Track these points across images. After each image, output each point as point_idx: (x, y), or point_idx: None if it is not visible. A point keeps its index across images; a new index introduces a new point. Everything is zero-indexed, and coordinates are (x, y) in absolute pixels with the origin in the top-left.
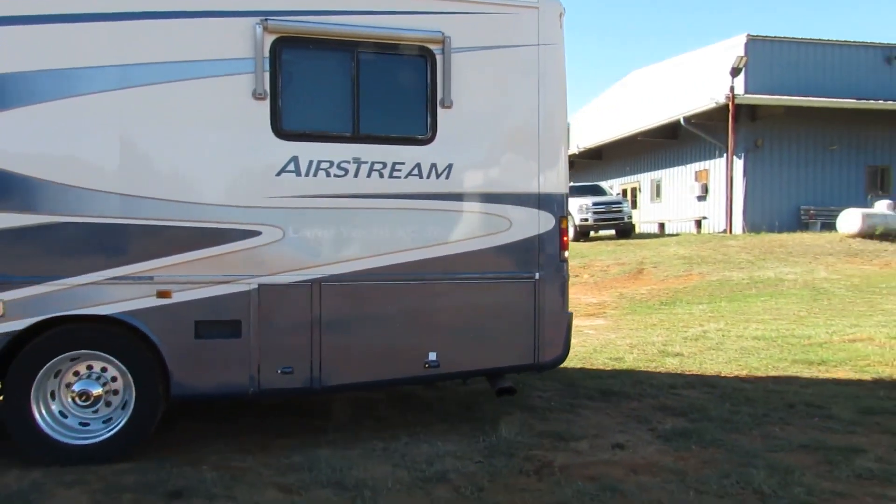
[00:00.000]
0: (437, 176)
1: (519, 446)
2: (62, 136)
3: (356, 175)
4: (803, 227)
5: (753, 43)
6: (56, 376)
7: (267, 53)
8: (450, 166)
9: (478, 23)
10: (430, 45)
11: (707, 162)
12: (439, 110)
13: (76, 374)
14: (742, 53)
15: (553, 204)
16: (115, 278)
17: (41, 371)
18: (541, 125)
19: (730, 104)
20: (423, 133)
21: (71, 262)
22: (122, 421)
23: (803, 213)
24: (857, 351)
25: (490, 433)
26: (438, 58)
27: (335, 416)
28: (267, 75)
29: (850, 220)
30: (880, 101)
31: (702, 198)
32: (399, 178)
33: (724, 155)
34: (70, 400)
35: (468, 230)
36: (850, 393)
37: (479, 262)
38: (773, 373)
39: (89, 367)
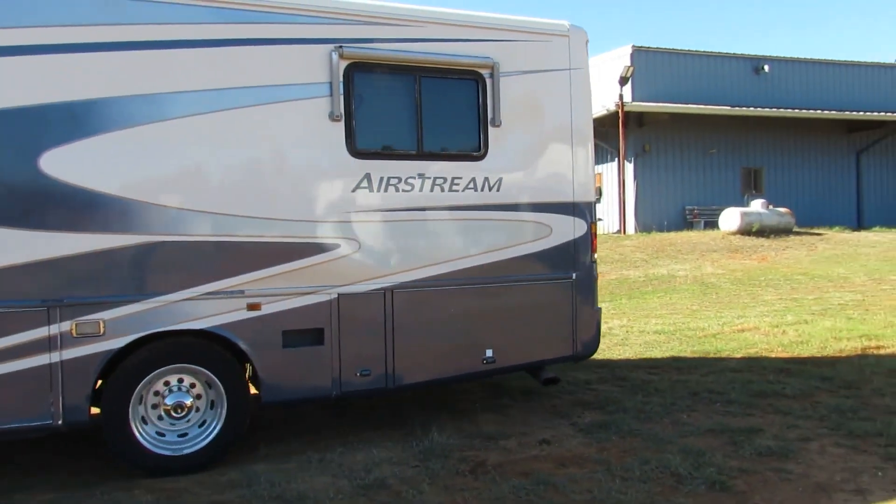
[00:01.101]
0: (490, 189)
1: (452, 448)
2: (157, 158)
3: (421, 189)
4: (689, 225)
5: (638, 53)
6: (150, 391)
7: (341, 78)
8: (500, 180)
9: (520, 49)
10: (481, 69)
11: (600, 166)
12: (490, 129)
13: (166, 385)
14: (629, 63)
15: (585, 211)
16: (208, 294)
17: (139, 385)
18: (573, 140)
19: (619, 111)
20: (477, 150)
21: (167, 280)
22: (215, 429)
23: (688, 212)
24: (745, 340)
25: (422, 437)
26: (488, 81)
27: (266, 430)
28: (342, 98)
29: (729, 218)
30: (751, 108)
31: (597, 200)
32: (457, 191)
33: (616, 159)
34: (163, 412)
35: (516, 237)
36: (744, 379)
37: (526, 265)
38: (676, 364)
39: (179, 380)
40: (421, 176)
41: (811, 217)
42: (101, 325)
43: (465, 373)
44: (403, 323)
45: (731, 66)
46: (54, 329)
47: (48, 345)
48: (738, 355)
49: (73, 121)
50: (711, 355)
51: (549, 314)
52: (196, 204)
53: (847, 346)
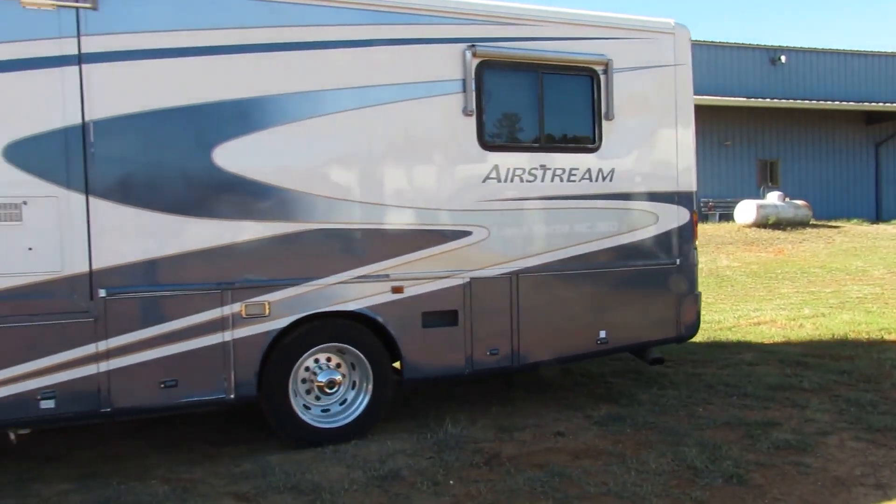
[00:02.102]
0: (604, 179)
1: (466, 440)
2: (313, 151)
3: (542, 180)
4: (704, 218)
5: None
6: (304, 368)
7: (473, 75)
8: (612, 170)
9: (631, 47)
10: (596, 66)
11: None
12: (604, 122)
13: (316, 363)
14: None
15: (688, 200)
16: (358, 277)
17: (297, 363)
18: (677, 133)
19: None
20: (592, 142)
21: (323, 265)
22: (363, 404)
23: (703, 204)
24: (762, 333)
25: (437, 429)
26: (603, 77)
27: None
28: (473, 94)
29: (745, 210)
30: (767, 100)
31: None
32: (575, 181)
33: None
34: (317, 389)
35: (627, 224)
36: (761, 372)
37: (635, 251)
38: (691, 357)
39: (328, 359)
40: (542, 167)
41: (828, 209)
42: (267, 306)
43: (580, 353)
44: (527, 305)
45: (747, 57)
46: (227, 310)
47: (222, 324)
48: (755, 349)
49: (242, 117)
50: (727, 348)
51: (655, 298)
52: (348, 193)
53: (866, 339)
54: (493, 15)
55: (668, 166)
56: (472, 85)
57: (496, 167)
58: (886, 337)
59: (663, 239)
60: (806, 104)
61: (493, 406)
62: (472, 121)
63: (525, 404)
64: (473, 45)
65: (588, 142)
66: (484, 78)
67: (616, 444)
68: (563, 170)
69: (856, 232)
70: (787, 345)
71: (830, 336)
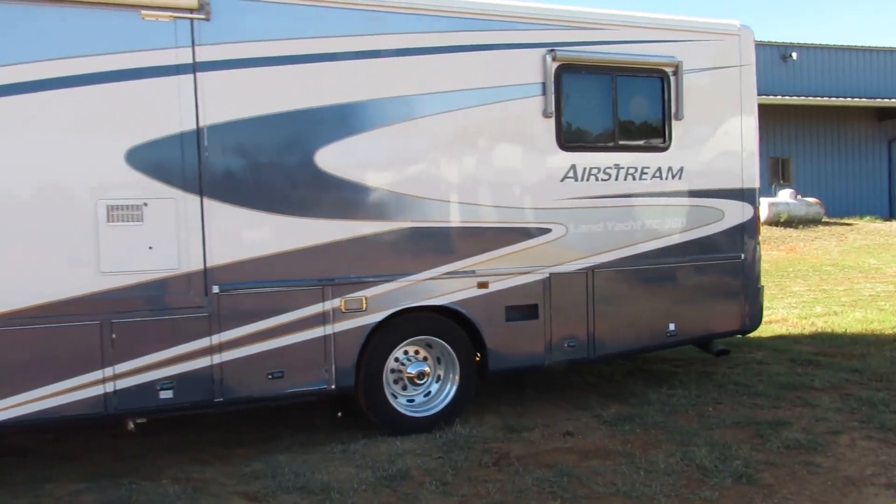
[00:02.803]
0: (673, 177)
1: (475, 440)
2: (406, 153)
3: (616, 178)
4: None
5: None
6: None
7: (553, 78)
8: (682, 169)
9: (699, 49)
10: (667, 68)
11: None
12: (673, 122)
13: (405, 354)
14: None
15: (751, 196)
16: (447, 273)
17: (390, 355)
18: (742, 132)
19: None
20: (662, 142)
21: (415, 261)
22: (450, 394)
23: None
24: (773, 331)
25: (445, 429)
26: (673, 79)
27: (289, 422)
28: (553, 97)
29: None
30: (778, 97)
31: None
32: (646, 179)
33: None
34: (406, 380)
35: (695, 220)
36: (772, 371)
37: (704, 246)
38: (701, 356)
39: (416, 352)
40: (616, 166)
41: (841, 207)
42: (364, 301)
43: (651, 345)
44: (602, 299)
45: (757, 54)
46: (328, 305)
47: (323, 319)
48: (766, 347)
49: (342, 121)
50: (738, 347)
51: (722, 292)
52: (437, 193)
53: (878, 338)
54: (571, 20)
55: (734, 164)
56: (551, 88)
57: (573, 167)
58: None
59: (729, 234)
60: (817, 101)
61: (503, 406)
62: (552, 122)
63: (535, 404)
64: (553, 50)
65: (659, 141)
66: (562, 81)
67: (625, 444)
68: (636, 168)
69: (869, 229)
70: (799, 343)
71: (842, 334)
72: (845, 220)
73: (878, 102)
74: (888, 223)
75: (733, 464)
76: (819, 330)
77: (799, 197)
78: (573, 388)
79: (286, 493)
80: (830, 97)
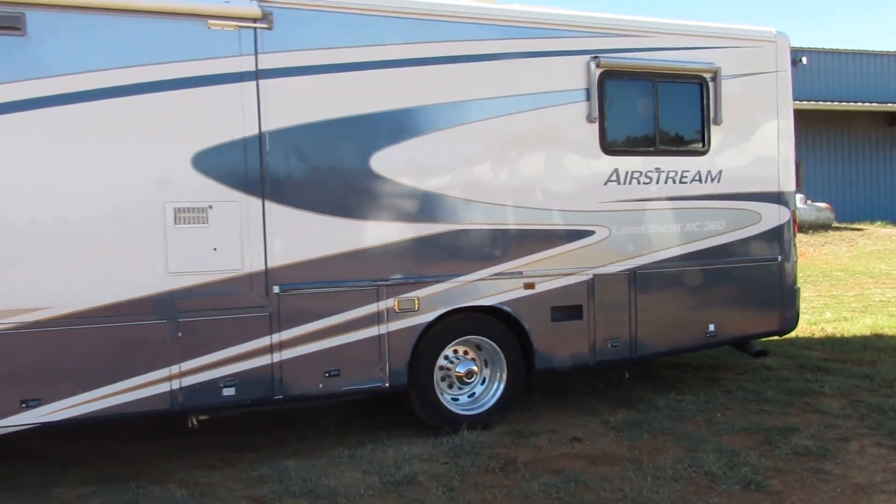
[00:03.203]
0: (712, 180)
1: (482, 445)
2: (457, 157)
3: (657, 182)
4: None
5: None
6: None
7: (596, 84)
8: (720, 172)
9: (736, 55)
10: (706, 74)
11: None
12: (712, 127)
13: (454, 353)
14: None
15: (788, 199)
16: (495, 274)
17: (440, 354)
18: (779, 136)
19: None
20: (701, 146)
21: (465, 263)
22: (498, 392)
23: None
24: (782, 337)
25: (452, 434)
26: (711, 84)
27: (296, 426)
28: (596, 102)
29: None
30: None
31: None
32: (686, 183)
33: None
34: (455, 378)
35: (733, 223)
36: (781, 377)
37: (742, 249)
38: (710, 362)
39: (465, 352)
40: (657, 170)
41: (851, 212)
42: (417, 301)
43: (691, 345)
44: (644, 300)
45: None
46: (382, 305)
47: (377, 318)
48: (775, 353)
49: (396, 126)
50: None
51: (760, 293)
52: (487, 196)
53: (889, 343)
54: (614, 28)
55: (770, 168)
56: (595, 94)
57: (616, 170)
58: None
59: (766, 236)
60: (827, 105)
61: (511, 411)
62: (595, 127)
63: (542, 410)
64: (597, 56)
65: (698, 145)
66: (605, 87)
67: (633, 450)
68: (676, 172)
69: (879, 234)
70: (808, 349)
71: (852, 340)
72: (856, 226)
73: (889, 107)
74: (890, 229)
75: (742, 470)
76: (829, 336)
77: (809, 202)
78: (581, 394)
79: (293, 498)
80: (841, 102)
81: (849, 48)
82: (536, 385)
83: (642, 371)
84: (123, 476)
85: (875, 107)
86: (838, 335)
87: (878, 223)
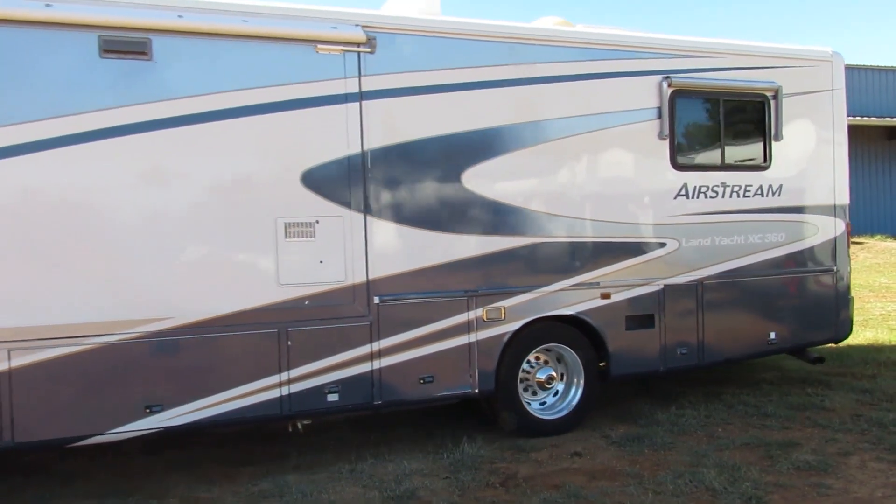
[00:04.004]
0: (773, 194)
1: (482, 460)
2: (539, 173)
3: (722, 196)
4: None
5: None
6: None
7: (667, 103)
8: (781, 186)
9: (796, 74)
10: (767, 92)
11: None
12: (773, 143)
13: (535, 360)
14: None
15: (843, 212)
16: (574, 285)
17: (523, 361)
18: (834, 151)
19: None
20: (763, 161)
21: (547, 274)
22: (577, 398)
23: None
24: (838, 344)
25: (453, 449)
26: (773, 102)
27: (296, 441)
28: (667, 120)
29: None
30: None
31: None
32: (749, 197)
33: None
34: (535, 384)
35: (793, 235)
36: (782, 391)
37: (801, 259)
38: (710, 377)
39: (545, 361)
40: (723, 185)
41: (852, 226)
42: (503, 311)
43: (754, 352)
44: (710, 309)
45: None
46: (472, 314)
47: (468, 327)
48: (776, 368)
49: (485, 144)
50: (747, 367)
51: (817, 302)
52: (567, 210)
53: (889, 357)
54: (684, 49)
55: (827, 182)
56: (666, 112)
57: (685, 185)
58: None
59: (823, 248)
60: None
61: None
62: (666, 144)
63: None
64: (668, 77)
65: (760, 161)
66: (676, 105)
67: (633, 465)
68: (740, 186)
69: (879, 248)
70: (809, 364)
71: (853, 354)
72: (856, 239)
73: (888, 122)
74: (890, 242)
75: (743, 485)
76: (829, 350)
77: None
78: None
79: None
80: None
81: (849, 63)
82: None
83: (642, 385)
84: (123, 491)
85: (874, 121)
86: (839, 349)
87: (878, 236)
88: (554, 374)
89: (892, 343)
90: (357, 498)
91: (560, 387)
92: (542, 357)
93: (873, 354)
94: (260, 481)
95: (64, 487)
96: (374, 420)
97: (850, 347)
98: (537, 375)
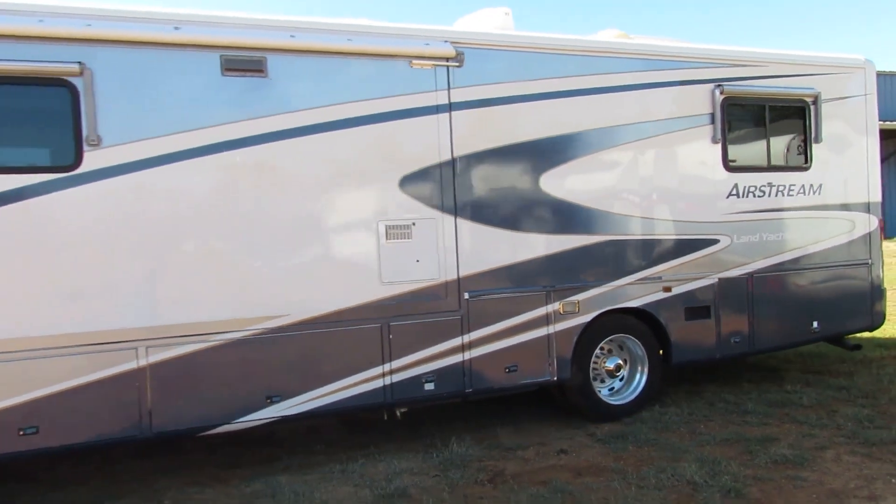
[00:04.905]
0: (814, 193)
1: (471, 459)
2: (608, 176)
3: (769, 195)
4: None
5: None
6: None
7: (720, 109)
8: (821, 185)
9: (833, 81)
10: (808, 98)
11: None
12: (813, 145)
13: (601, 350)
14: None
15: (876, 209)
16: (640, 280)
17: (594, 351)
18: (867, 152)
19: None
20: (805, 163)
21: (615, 269)
22: (641, 384)
23: None
24: (872, 332)
25: (442, 449)
26: (813, 107)
27: (287, 443)
28: (720, 125)
29: None
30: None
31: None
32: (792, 195)
33: None
34: (605, 372)
35: (831, 231)
36: (761, 389)
37: (839, 253)
38: (692, 376)
39: (610, 350)
40: (769, 185)
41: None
42: (578, 304)
43: (799, 340)
44: (760, 300)
45: None
46: (550, 308)
47: (546, 320)
48: (756, 366)
49: (559, 150)
50: (728, 366)
51: (854, 293)
52: (632, 210)
53: (865, 356)
54: (734, 59)
55: (861, 181)
56: (718, 117)
57: (736, 185)
58: (885, 353)
59: (859, 242)
60: None
61: (498, 426)
62: (719, 147)
63: (530, 424)
64: (720, 85)
65: (802, 162)
66: (727, 111)
67: (618, 461)
68: (784, 186)
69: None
70: (788, 362)
71: (831, 353)
72: None
73: (889, 125)
74: (887, 243)
75: (722, 479)
76: (809, 349)
77: None
78: (567, 407)
79: None
80: None
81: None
82: (523, 400)
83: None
84: (115, 494)
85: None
86: (817, 349)
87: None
88: (621, 362)
89: (868, 342)
90: (349, 497)
91: (625, 374)
92: (607, 347)
93: (850, 353)
94: (252, 482)
95: (56, 492)
96: (363, 422)
97: (828, 347)
98: (606, 364)
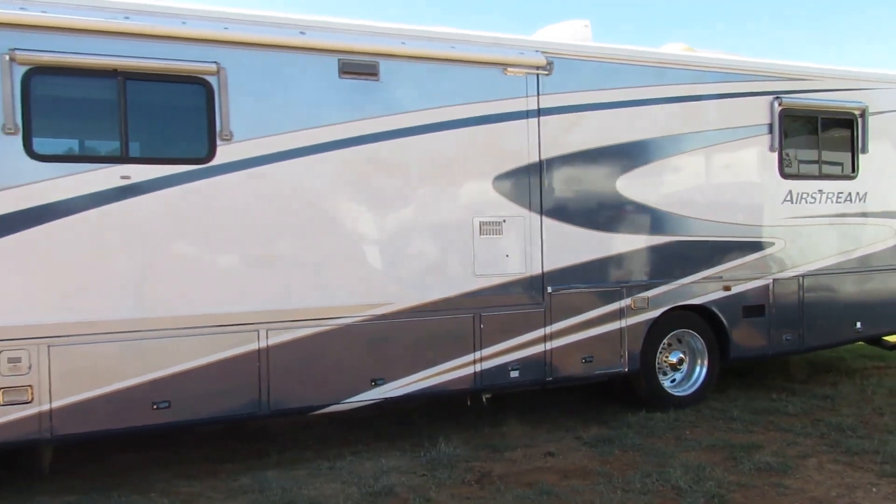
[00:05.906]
0: (859, 200)
1: (458, 459)
2: (676, 180)
3: (819, 202)
4: None
5: None
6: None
7: (777, 120)
8: (866, 193)
9: (880, 95)
10: (857, 111)
11: None
12: (860, 156)
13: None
14: None
15: None
16: (703, 278)
17: (661, 344)
18: None
19: None
20: (852, 172)
21: (681, 269)
22: (702, 377)
23: None
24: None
25: (430, 448)
26: (860, 120)
27: (277, 439)
28: (777, 135)
29: None
30: None
31: None
32: (840, 202)
33: None
34: (667, 366)
35: (874, 236)
36: (748, 397)
37: (882, 258)
38: None
39: (671, 344)
40: (820, 192)
41: None
42: (647, 300)
43: (844, 339)
44: (809, 301)
45: None
46: (622, 303)
47: (619, 314)
48: (742, 375)
49: (634, 155)
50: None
51: (893, 296)
52: (697, 213)
53: (850, 366)
54: (791, 73)
55: None
56: (776, 128)
57: (790, 191)
58: (870, 363)
59: None
60: None
61: (486, 427)
62: (775, 156)
63: (518, 426)
64: (778, 97)
65: (849, 171)
66: (783, 122)
67: (604, 465)
68: (833, 193)
69: None
70: (775, 371)
71: (816, 363)
72: None
73: None
74: None
75: (707, 484)
76: (794, 359)
77: None
78: (555, 411)
79: None
80: None
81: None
82: (511, 402)
83: (613, 391)
84: (105, 485)
85: None
86: (803, 358)
87: None
88: (683, 356)
89: (854, 351)
90: (336, 493)
91: (685, 367)
92: (668, 341)
93: (835, 363)
94: (240, 477)
95: (47, 483)
96: (352, 419)
97: (814, 356)
98: (669, 357)
